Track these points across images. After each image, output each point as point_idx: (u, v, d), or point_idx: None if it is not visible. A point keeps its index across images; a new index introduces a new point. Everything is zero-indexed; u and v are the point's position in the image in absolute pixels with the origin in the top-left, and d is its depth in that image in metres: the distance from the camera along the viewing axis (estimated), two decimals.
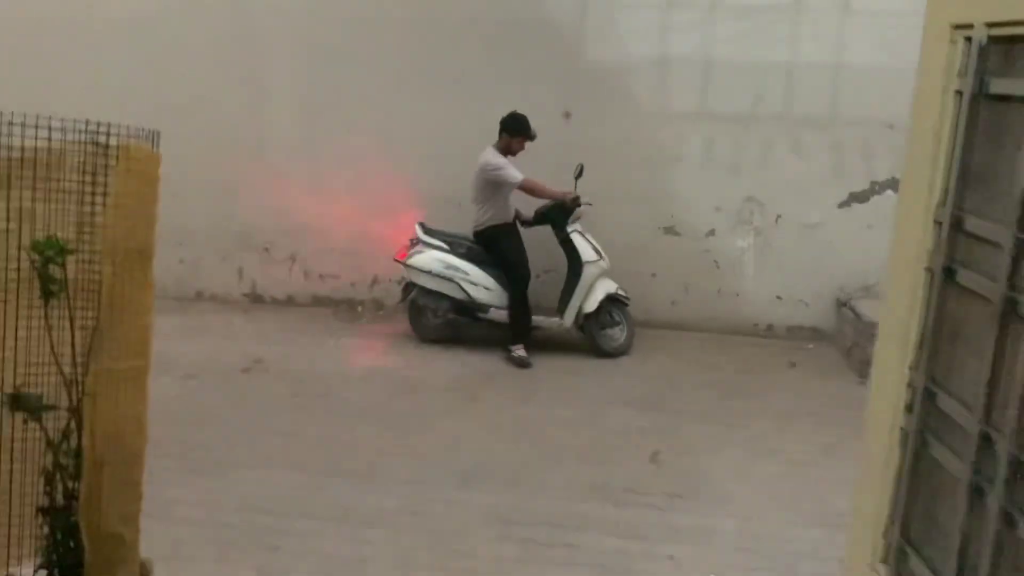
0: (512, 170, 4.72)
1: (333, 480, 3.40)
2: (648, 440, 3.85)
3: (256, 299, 5.79)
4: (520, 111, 4.77)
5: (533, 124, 4.76)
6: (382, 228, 5.44)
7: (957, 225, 1.26)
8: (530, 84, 5.15)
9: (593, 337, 4.91)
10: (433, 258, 4.91)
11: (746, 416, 4.17)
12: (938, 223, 1.30)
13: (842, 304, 5.12)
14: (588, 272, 4.79)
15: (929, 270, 1.31)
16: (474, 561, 2.87)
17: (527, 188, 4.76)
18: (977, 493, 1.17)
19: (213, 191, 5.49)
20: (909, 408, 1.34)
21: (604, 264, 4.84)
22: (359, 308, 5.72)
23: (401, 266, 5.02)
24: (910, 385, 1.35)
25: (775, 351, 5.16)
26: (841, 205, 5.14)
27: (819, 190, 5.16)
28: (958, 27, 1.25)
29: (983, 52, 1.20)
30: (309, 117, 5.47)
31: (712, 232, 5.33)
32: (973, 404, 1.15)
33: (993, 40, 1.17)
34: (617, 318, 4.92)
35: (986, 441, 1.14)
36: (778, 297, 5.35)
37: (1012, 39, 1.07)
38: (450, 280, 4.89)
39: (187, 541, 2.87)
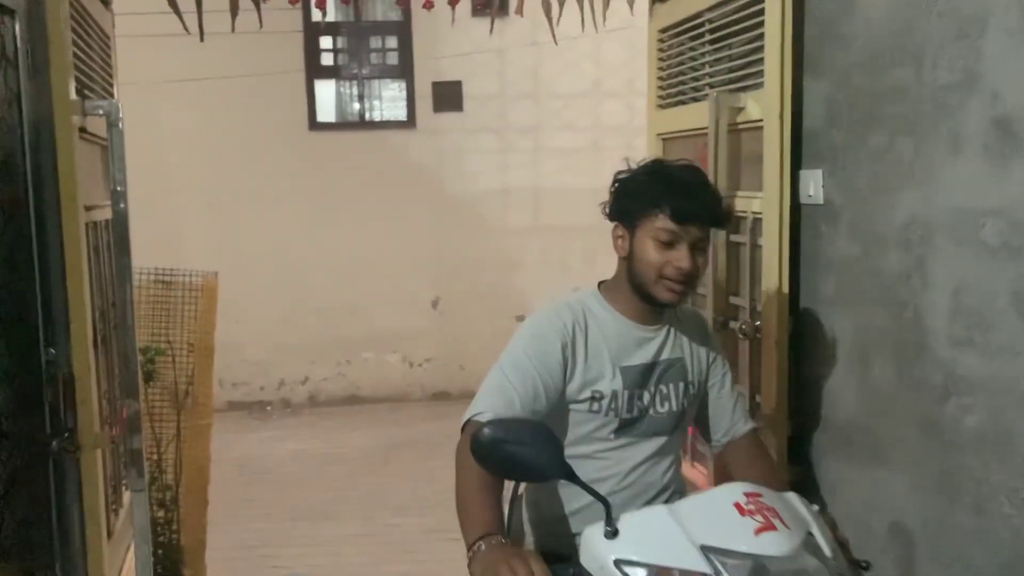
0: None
1: (299, 523, 4.49)
2: None
3: None
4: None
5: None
6: (287, 338, 6.60)
7: None
8: (401, 216, 6.58)
9: None
10: None
11: None
12: None
13: None
14: None
15: None
16: (423, 555, 4.08)
17: None
18: None
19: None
20: None
21: None
22: (268, 408, 6.75)
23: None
24: None
25: None
26: None
27: None
28: (659, 134, 2.95)
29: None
30: (219, 254, 6.59)
31: None
32: None
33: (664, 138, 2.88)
34: None
35: None
36: None
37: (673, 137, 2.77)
38: None
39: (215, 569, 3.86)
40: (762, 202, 2.28)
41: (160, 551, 3.22)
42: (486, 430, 1.39)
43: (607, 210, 1.79)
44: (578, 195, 6.87)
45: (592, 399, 1.68)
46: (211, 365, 3.27)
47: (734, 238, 2.49)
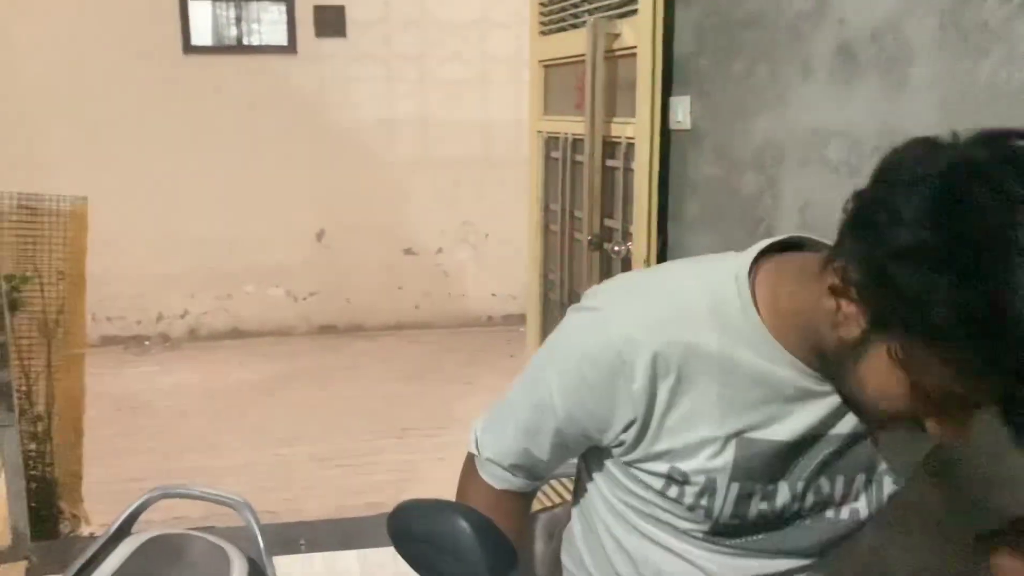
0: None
1: (181, 454, 4.44)
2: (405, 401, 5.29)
3: None
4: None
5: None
6: (165, 270, 6.38)
7: (546, 204, 2.94)
8: (283, 145, 6.39)
9: None
10: None
11: (479, 376, 5.75)
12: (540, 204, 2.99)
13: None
14: None
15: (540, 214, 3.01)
16: (309, 482, 4.12)
17: None
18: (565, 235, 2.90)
19: None
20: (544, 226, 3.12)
21: None
22: (146, 343, 6.54)
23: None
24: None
25: (496, 333, 6.84)
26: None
27: (513, 214, 6.91)
28: (539, 132, 3.04)
29: (546, 141, 3.01)
30: (87, 182, 6.25)
31: (440, 250, 6.91)
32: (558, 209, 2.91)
33: (547, 136, 2.96)
34: None
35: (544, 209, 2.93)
36: (493, 295, 7.04)
37: (553, 137, 2.77)
38: None
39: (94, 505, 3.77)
40: (635, 128, 2.37)
41: (33, 484, 3.14)
42: (392, 521, 0.90)
43: (841, 248, 0.84)
44: (466, 127, 6.86)
45: (669, 479, 0.94)
46: (82, 294, 3.16)
47: (610, 163, 2.60)
